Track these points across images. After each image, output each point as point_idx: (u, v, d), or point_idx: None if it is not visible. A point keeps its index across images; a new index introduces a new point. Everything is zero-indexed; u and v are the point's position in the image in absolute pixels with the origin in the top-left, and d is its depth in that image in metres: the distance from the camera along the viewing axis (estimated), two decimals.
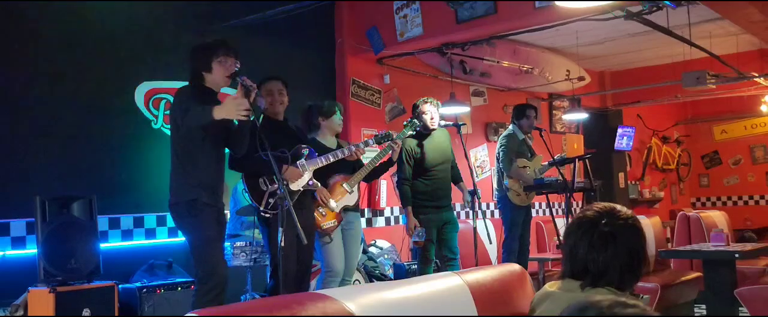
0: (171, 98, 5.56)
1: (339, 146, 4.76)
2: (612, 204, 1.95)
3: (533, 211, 6.57)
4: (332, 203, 4.51)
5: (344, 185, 4.62)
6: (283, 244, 3.40)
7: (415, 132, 5.02)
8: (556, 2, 3.51)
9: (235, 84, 3.62)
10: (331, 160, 4.34)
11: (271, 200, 3.89)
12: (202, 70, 3.66)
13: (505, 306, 1.94)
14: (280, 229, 3.38)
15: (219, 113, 3.39)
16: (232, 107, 3.38)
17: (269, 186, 3.97)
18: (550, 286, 1.93)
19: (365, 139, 4.64)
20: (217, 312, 1.42)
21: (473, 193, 5.01)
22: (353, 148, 4.45)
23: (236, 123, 3.68)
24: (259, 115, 3.68)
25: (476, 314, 1.81)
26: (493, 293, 1.93)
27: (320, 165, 4.29)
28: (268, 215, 4.00)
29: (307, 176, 4.19)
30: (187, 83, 3.83)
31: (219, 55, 3.63)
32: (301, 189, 4.15)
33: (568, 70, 8.82)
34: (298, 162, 4.15)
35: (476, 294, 1.86)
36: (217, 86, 3.70)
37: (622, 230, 1.88)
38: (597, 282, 1.85)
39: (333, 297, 1.56)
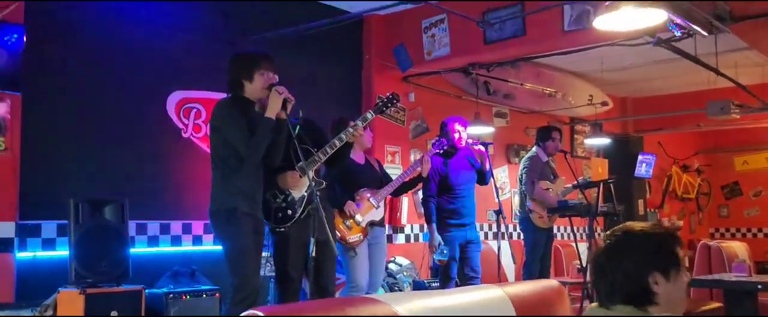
0: (201, 108, 5.66)
1: (368, 163, 4.81)
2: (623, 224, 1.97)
3: (557, 234, 6.56)
4: (358, 217, 4.55)
5: (371, 199, 4.66)
6: (313, 254, 3.43)
7: (445, 151, 5.10)
8: (595, 25, 3.56)
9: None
10: (330, 152, 3.91)
11: (280, 215, 3.85)
12: (243, 79, 3.72)
13: None
14: (312, 239, 3.42)
15: (271, 112, 3.60)
16: (275, 100, 3.60)
17: (276, 201, 3.87)
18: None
19: (364, 115, 4.16)
20: (271, 312, 1.46)
21: (498, 213, 5.04)
22: (350, 130, 3.98)
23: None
24: (296, 127, 3.72)
25: None
26: (533, 306, 1.96)
27: (319, 162, 3.92)
28: (282, 230, 3.87)
29: (310, 176, 3.84)
30: (222, 96, 3.90)
31: (262, 67, 3.70)
32: (306, 194, 3.90)
33: (590, 95, 8.85)
34: (298, 166, 3.90)
35: (517, 306, 1.89)
36: (254, 97, 3.76)
37: (609, 250, 1.91)
38: (610, 302, 1.89)
39: (383, 301, 1.60)
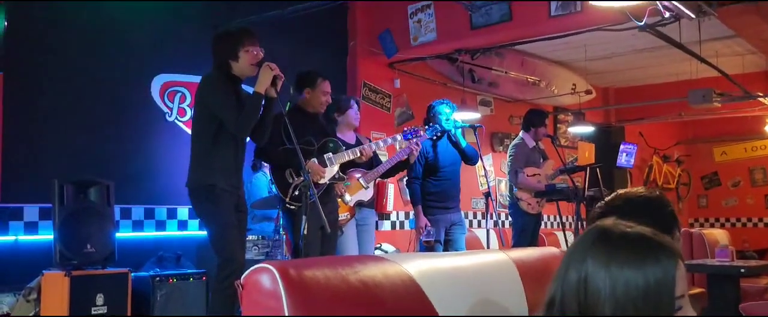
0: (186, 91, 5.59)
1: (358, 142, 4.79)
2: None
3: (542, 224, 6.54)
4: (347, 197, 4.54)
5: (361, 180, 4.64)
6: (305, 232, 3.40)
7: (437, 136, 5.07)
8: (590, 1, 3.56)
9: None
10: (359, 154, 4.31)
11: (296, 193, 3.87)
12: (228, 58, 3.66)
13: (548, 282, 1.96)
14: (304, 217, 3.39)
15: (260, 87, 3.56)
16: (265, 76, 3.58)
17: (295, 179, 3.95)
18: None
19: (394, 135, 4.71)
20: (282, 266, 1.43)
21: (488, 195, 5.03)
22: (382, 143, 4.52)
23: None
24: (287, 104, 3.70)
25: (522, 285, 1.84)
26: (536, 270, 1.96)
27: (347, 159, 4.24)
28: (292, 207, 3.95)
29: (334, 168, 4.18)
30: (201, 76, 3.83)
31: (245, 44, 3.64)
32: (327, 182, 4.13)
33: (574, 84, 8.89)
34: (325, 156, 4.14)
35: (521, 269, 1.89)
36: (242, 75, 3.71)
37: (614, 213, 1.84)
38: None
39: (392, 260, 1.58)
